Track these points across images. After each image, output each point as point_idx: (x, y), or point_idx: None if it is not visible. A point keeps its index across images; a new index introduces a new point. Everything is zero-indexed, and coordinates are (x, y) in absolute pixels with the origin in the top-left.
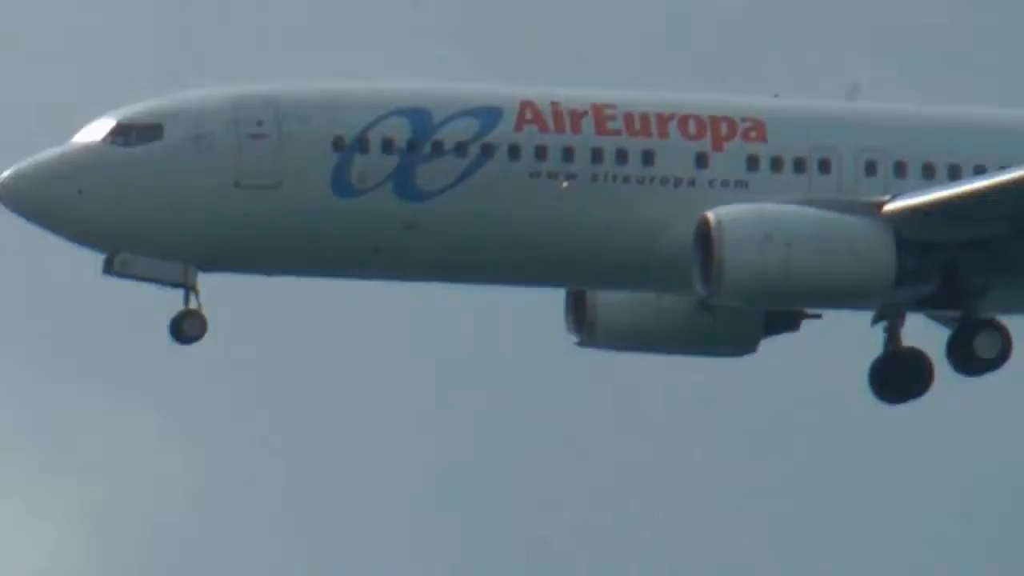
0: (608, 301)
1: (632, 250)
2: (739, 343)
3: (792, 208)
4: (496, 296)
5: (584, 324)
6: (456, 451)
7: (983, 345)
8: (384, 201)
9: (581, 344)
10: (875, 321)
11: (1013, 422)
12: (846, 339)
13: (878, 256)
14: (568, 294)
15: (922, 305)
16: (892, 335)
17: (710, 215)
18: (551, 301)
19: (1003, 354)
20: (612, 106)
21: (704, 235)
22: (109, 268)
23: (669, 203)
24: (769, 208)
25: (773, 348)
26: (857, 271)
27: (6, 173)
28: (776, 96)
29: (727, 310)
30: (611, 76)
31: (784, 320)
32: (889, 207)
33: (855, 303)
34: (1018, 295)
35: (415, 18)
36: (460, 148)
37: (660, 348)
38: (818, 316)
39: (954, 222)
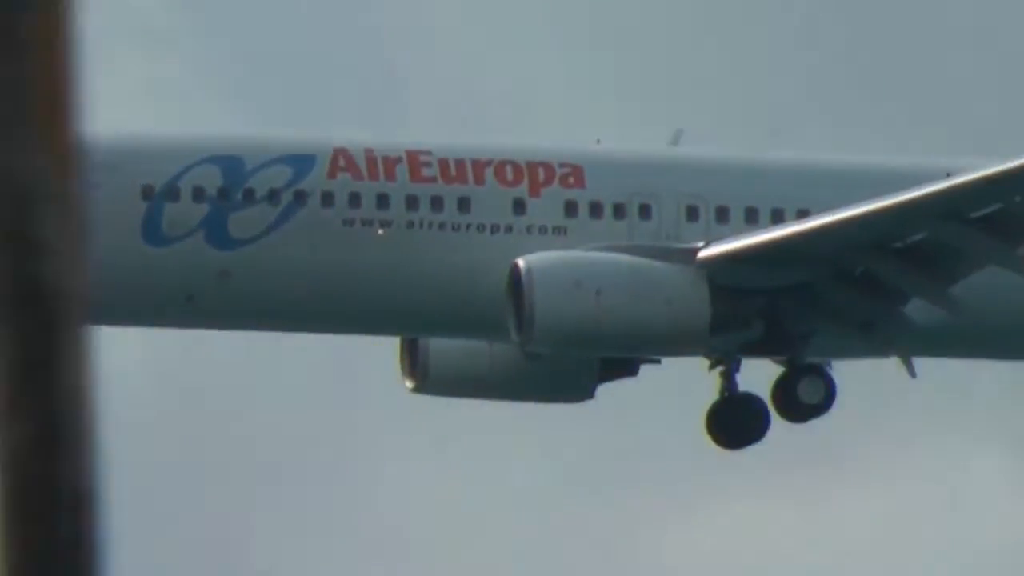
0: (439, 348)
1: (450, 298)
2: (574, 390)
3: (604, 255)
4: (330, 342)
5: (417, 371)
6: (285, 500)
7: (806, 391)
8: (196, 249)
9: (415, 391)
10: (712, 366)
11: (843, 464)
12: (686, 384)
13: (690, 303)
14: (402, 340)
15: (750, 351)
16: (728, 380)
17: (521, 262)
18: (388, 348)
19: (827, 400)
20: (427, 152)
21: (515, 282)
22: None
23: (486, 250)
24: (580, 255)
25: (610, 394)
26: (669, 318)
27: None
28: (598, 142)
29: (558, 357)
30: (429, 123)
31: (621, 366)
32: (703, 253)
33: (670, 350)
34: (843, 340)
35: (227, 63)
36: (272, 196)
37: (494, 395)
38: (657, 361)
39: (769, 267)
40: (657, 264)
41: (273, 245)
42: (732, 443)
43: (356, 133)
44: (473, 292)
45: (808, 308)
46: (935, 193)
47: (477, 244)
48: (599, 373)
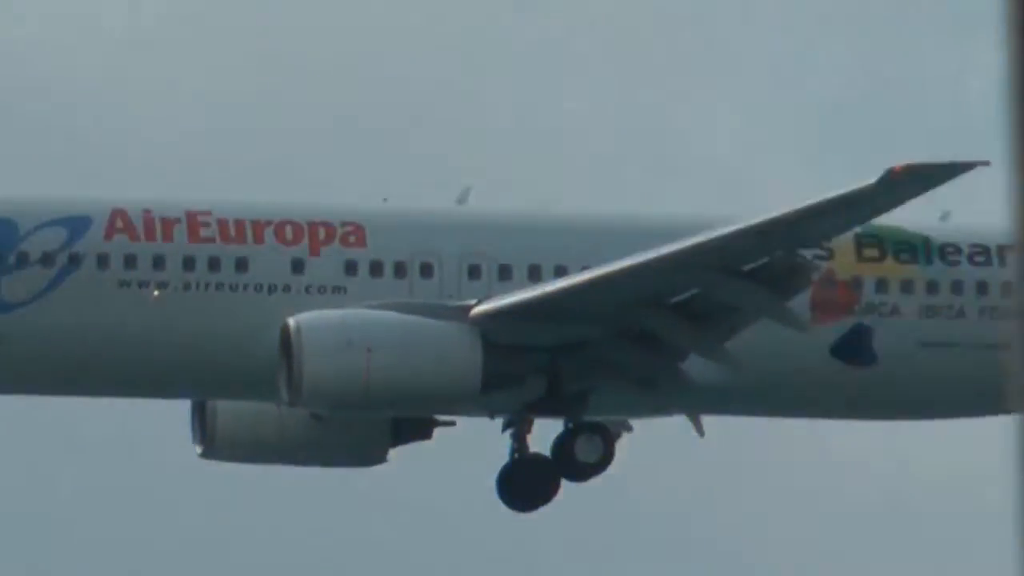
0: (226, 410)
1: (229, 359)
2: (364, 453)
3: (376, 313)
4: (120, 406)
5: (205, 435)
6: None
7: (583, 449)
8: None
9: (204, 455)
10: (504, 428)
11: (629, 525)
12: (481, 446)
13: (462, 361)
14: (192, 404)
15: (532, 410)
16: (519, 441)
17: (291, 321)
18: (180, 411)
19: (605, 458)
20: (207, 213)
21: (285, 342)
22: None
23: (264, 310)
24: (352, 313)
25: (404, 458)
26: (441, 376)
27: None
28: (385, 200)
29: (347, 420)
30: (219, 181)
31: (414, 429)
32: (475, 311)
33: (444, 408)
34: (624, 398)
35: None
36: (46, 258)
37: (283, 459)
38: (452, 424)
39: (541, 324)
40: (429, 322)
41: (47, 308)
42: (522, 505)
43: (137, 193)
44: (251, 352)
45: (586, 365)
46: (700, 245)
47: (255, 304)
48: (392, 437)
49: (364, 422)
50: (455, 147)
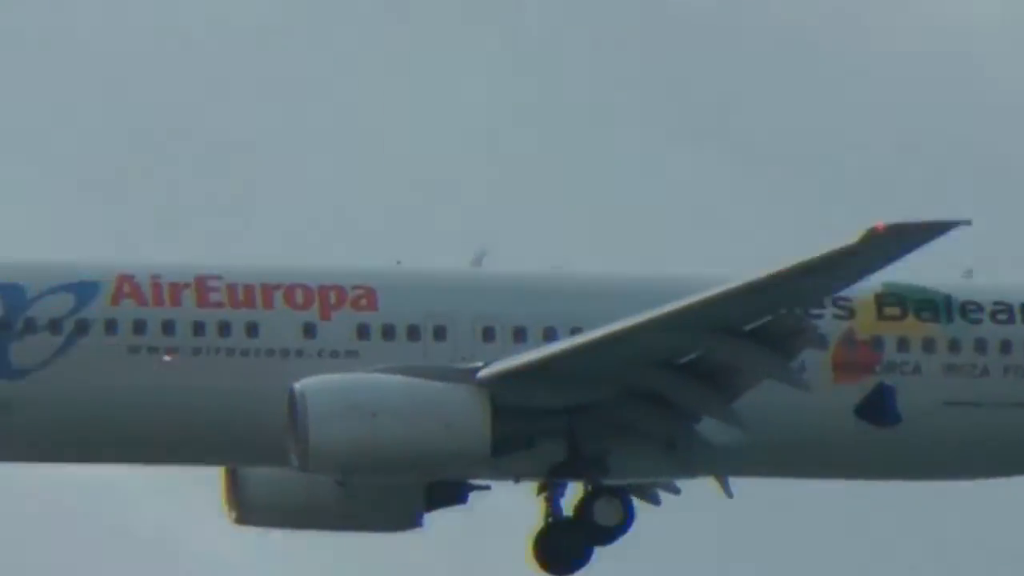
0: (257, 477)
1: (240, 424)
2: (397, 518)
3: (382, 377)
4: (154, 473)
5: (236, 501)
6: None
7: (602, 513)
8: None
9: (237, 522)
10: (538, 491)
11: None
12: (517, 510)
13: (469, 424)
14: (224, 470)
15: (554, 474)
16: (551, 505)
17: (296, 386)
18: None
19: (626, 521)
20: (216, 277)
21: (291, 407)
22: None
23: (275, 375)
24: (357, 377)
25: (439, 523)
26: (448, 440)
27: None
28: (399, 263)
29: (370, 485)
30: (228, 244)
31: (448, 493)
32: (482, 373)
33: (454, 471)
34: (645, 461)
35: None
36: (54, 324)
37: (315, 525)
38: (487, 488)
39: (547, 385)
40: (436, 385)
41: (57, 374)
42: (556, 568)
43: (144, 258)
44: (263, 418)
45: (599, 427)
46: (695, 304)
47: (266, 369)
48: (426, 501)
49: (394, 487)
50: (469, 209)
